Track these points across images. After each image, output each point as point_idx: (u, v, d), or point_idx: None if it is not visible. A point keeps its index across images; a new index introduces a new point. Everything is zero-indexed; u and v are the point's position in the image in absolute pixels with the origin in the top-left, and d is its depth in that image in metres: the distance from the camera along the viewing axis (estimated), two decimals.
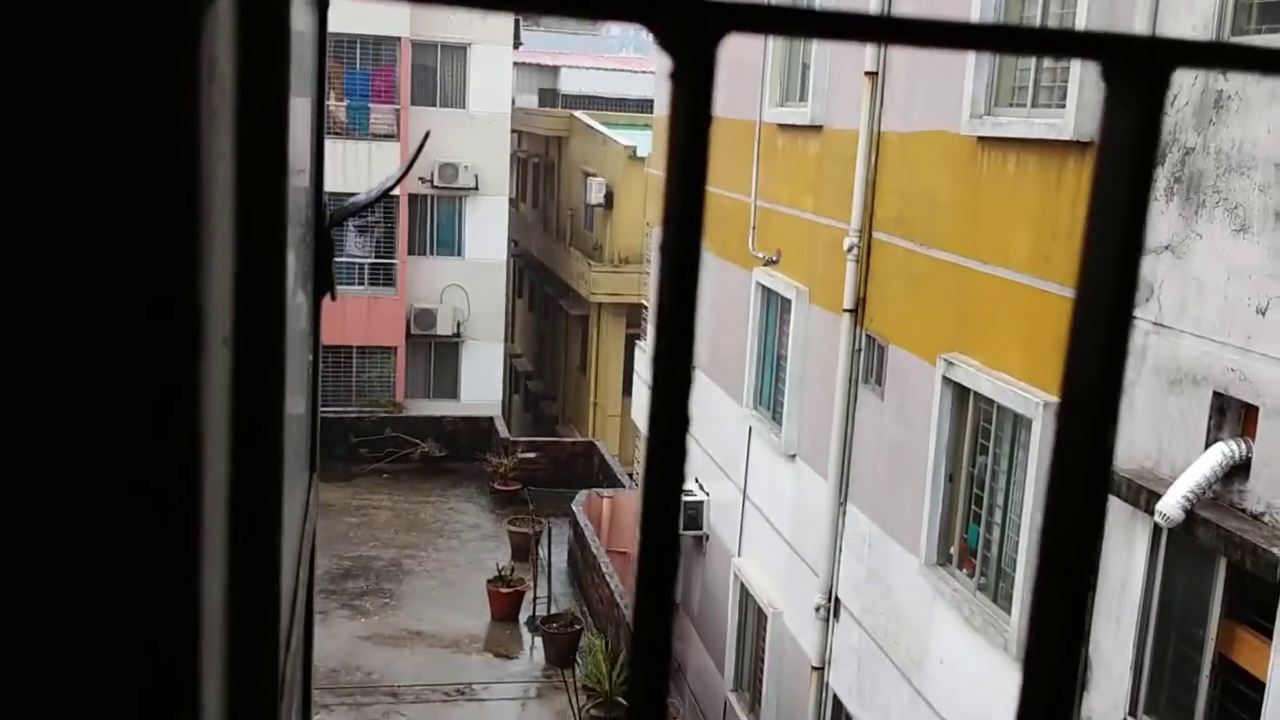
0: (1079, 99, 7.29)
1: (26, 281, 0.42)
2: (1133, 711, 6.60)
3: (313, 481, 1.66)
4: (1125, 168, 0.32)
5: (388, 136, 24.52)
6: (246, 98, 0.54)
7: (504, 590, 16.84)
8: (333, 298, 1.69)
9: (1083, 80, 7.26)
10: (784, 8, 0.32)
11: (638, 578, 0.38)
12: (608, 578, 16.00)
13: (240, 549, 0.62)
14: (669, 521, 0.38)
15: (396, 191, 23.87)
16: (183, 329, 0.44)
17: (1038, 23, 8.03)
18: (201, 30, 0.41)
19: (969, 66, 8.56)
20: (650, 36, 0.31)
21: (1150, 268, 6.63)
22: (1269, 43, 6.01)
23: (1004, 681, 7.91)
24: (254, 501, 0.65)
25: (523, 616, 16.87)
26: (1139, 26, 6.75)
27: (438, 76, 25.43)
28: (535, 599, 16.66)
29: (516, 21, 26.83)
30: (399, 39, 24.53)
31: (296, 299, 1.30)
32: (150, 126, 0.40)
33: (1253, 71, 0.36)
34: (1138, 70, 0.32)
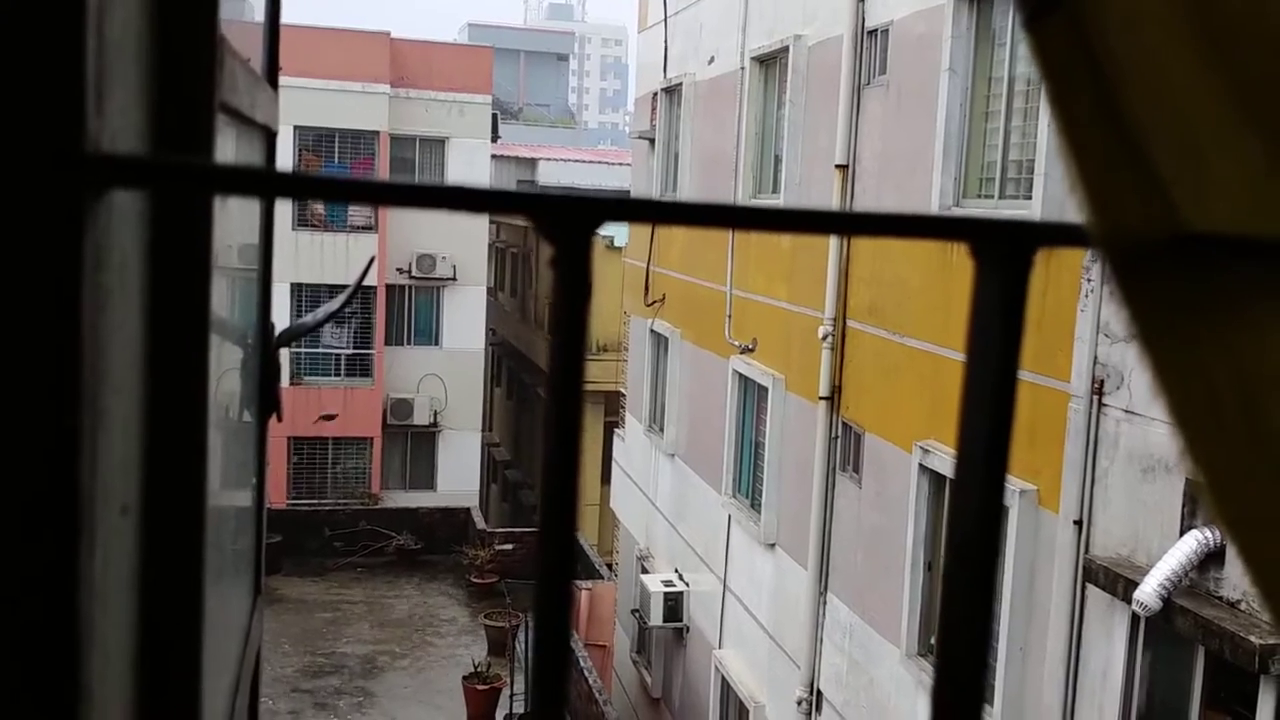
0: (1045, 191, 7.43)
1: None
2: None
3: (257, 605, 1.64)
4: (995, 338, 0.33)
5: (365, 228, 24.70)
6: (161, 279, 0.55)
7: (480, 687, 16.51)
8: (279, 419, 1.69)
9: (1048, 174, 7.40)
10: (650, 200, 0.33)
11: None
12: (585, 673, 15.72)
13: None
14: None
15: (375, 282, 23.96)
16: (60, 502, 0.44)
17: (1001, 132, 8.21)
18: (85, 221, 0.42)
19: (937, 159, 8.73)
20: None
21: (1120, 356, 6.70)
22: None
23: None
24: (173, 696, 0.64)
25: (500, 714, 16.52)
26: None
27: (415, 169, 25.72)
28: (512, 695, 16.33)
29: (494, 115, 27.26)
30: (378, 133, 24.85)
31: (241, 422, 1.30)
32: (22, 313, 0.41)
33: None
34: (1002, 251, 0.33)
